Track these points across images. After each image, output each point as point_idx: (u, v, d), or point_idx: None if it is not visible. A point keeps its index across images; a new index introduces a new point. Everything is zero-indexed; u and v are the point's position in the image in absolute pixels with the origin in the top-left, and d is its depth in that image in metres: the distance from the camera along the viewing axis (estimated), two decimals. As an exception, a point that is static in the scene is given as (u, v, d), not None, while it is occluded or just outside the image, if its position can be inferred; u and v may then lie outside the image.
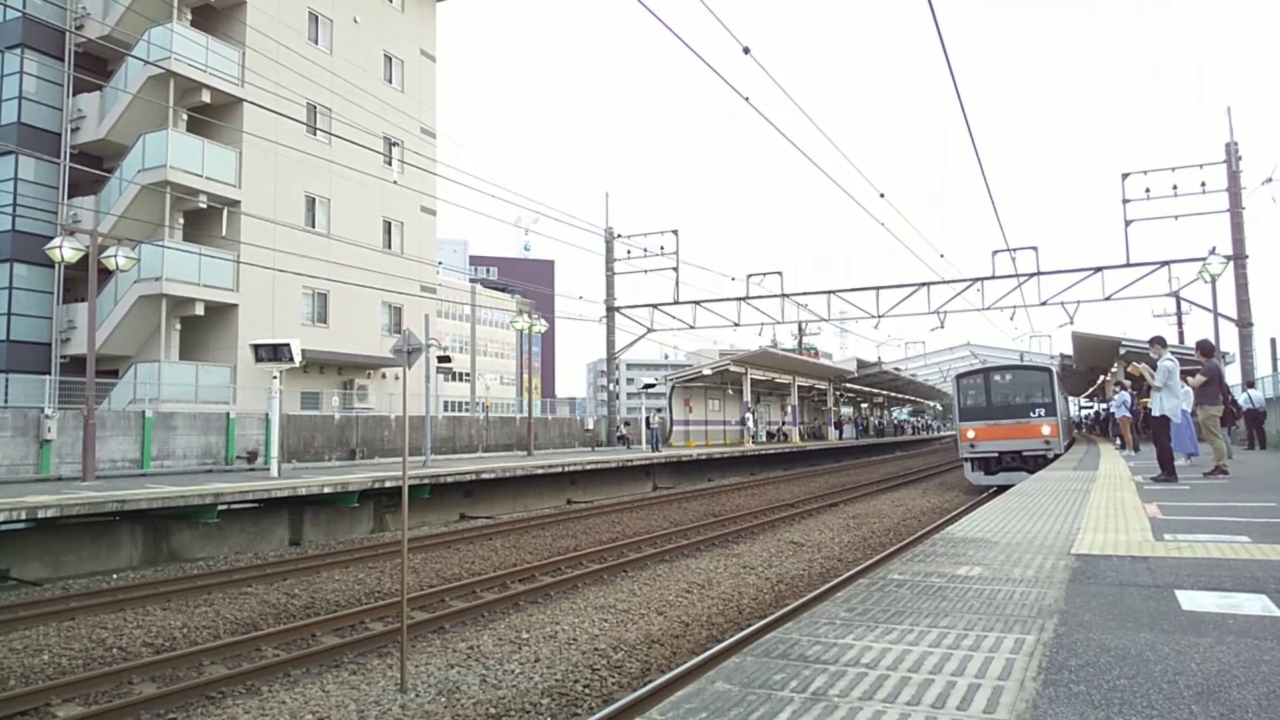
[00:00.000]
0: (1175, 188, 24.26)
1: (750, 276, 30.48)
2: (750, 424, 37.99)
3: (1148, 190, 24.54)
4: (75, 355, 25.28)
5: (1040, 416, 20.60)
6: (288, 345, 16.19)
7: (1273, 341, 25.99)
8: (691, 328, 31.95)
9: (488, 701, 6.27)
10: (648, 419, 32.54)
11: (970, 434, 21.17)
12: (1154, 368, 11.34)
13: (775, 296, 30.34)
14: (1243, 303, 24.09)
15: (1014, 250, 27.01)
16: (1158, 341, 11.87)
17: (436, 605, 9.47)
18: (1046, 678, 2.87)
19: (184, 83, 24.85)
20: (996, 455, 21.01)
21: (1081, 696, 2.66)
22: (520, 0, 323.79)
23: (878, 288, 29.23)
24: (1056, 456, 19.70)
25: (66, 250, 16.53)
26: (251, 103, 23.41)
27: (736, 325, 31.67)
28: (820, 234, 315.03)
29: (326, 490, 14.81)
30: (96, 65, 27.10)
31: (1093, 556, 5.33)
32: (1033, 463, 19.72)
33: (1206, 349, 12.05)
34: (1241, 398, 19.63)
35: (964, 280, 28.17)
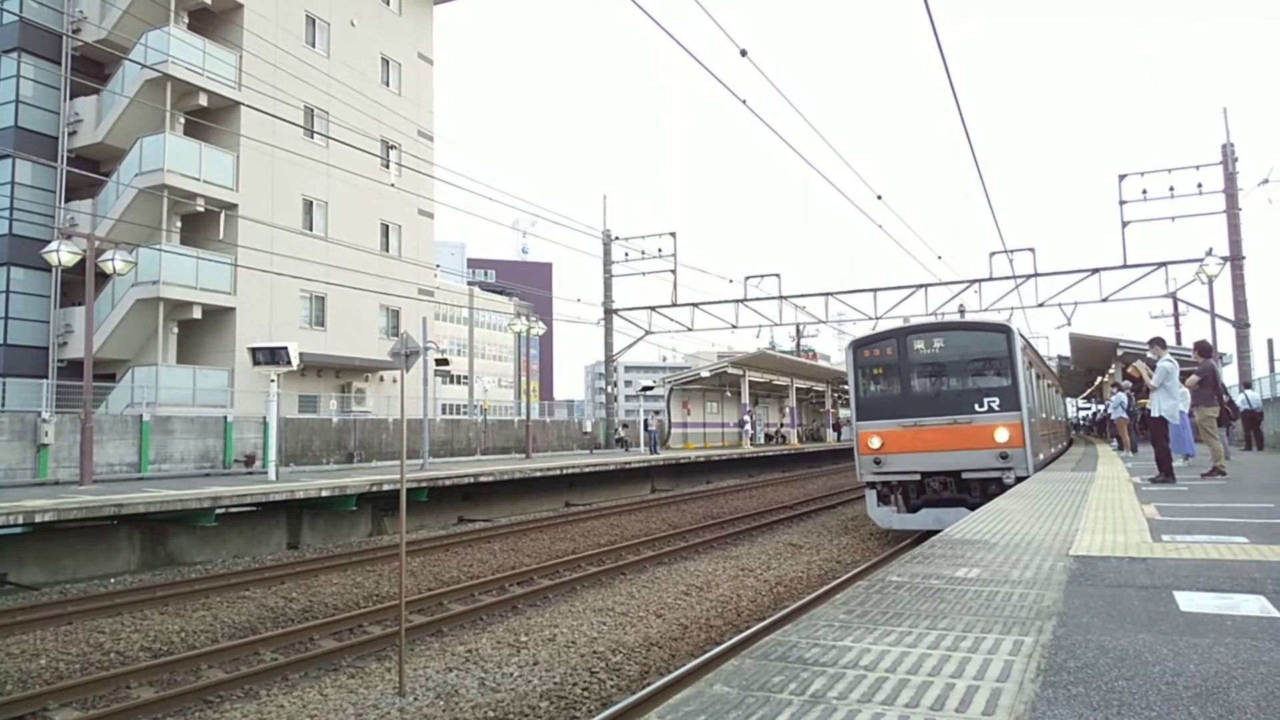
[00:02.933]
0: (1172, 189, 24.32)
1: (748, 278, 30.53)
2: (748, 426, 38.01)
3: (1145, 192, 24.63)
4: (73, 359, 25.23)
5: (992, 411, 12.67)
6: (285, 348, 16.18)
7: (1269, 342, 26.05)
8: (690, 330, 31.97)
9: (486, 705, 6.26)
10: (646, 421, 32.50)
11: (874, 442, 13.36)
12: (1153, 369, 11.36)
13: (773, 298, 30.36)
14: (1239, 304, 24.14)
15: (1011, 252, 27.08)
16: (1157, 342, 11.90)
17: (435, 608, 9.47)
18: (1045, 679, 2.87)
19: (181, 86, 24.85)
20: (919, 478, 13.16)
21: (1080, 698, 2.66)
22: (518, 3, 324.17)
23: (875, 289, 29.23)
24: (1020, 480, 12.13)
25: (64, 254, 16.50)
26: (249, 106, 23.39)
27: (734, 327, 31.67)
28: (818, 236, 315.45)
29: (324, 493, 14.79)
30: (93, 69, 27.09)
31: (1091, 558, 5.33)
32: (979, 488, 12.66)
33: (1204, 350, 12.08)
34: (1239, 398, 19.64)
35: (961, 282, 28.23)
